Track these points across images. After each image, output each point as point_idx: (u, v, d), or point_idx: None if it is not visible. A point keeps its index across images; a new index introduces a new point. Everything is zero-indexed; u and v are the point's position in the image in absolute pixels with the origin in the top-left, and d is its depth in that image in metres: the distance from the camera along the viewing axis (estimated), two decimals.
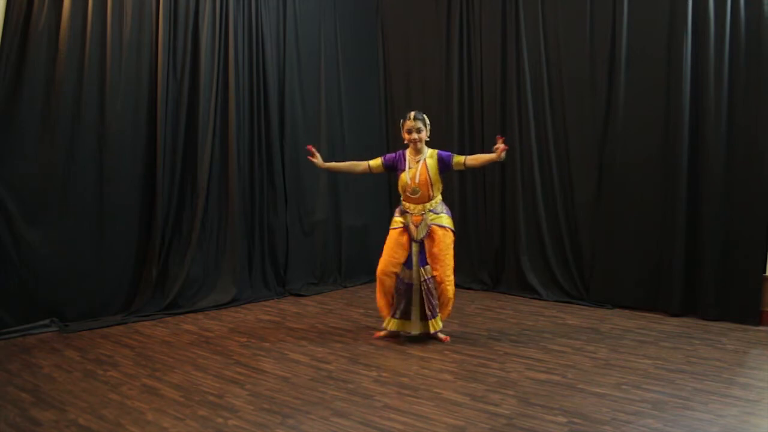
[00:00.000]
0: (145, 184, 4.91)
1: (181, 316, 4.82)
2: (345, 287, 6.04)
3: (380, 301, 4.21)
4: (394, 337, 4.20)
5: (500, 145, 3.92)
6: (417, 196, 4.09)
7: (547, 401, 3.09)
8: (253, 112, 5.57)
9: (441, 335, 4.16)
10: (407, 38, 6.55)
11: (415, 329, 4.15)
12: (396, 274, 4.11)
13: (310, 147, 4.29)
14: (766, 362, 3.80)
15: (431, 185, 4.09)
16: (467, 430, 2.77)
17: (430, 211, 4.10)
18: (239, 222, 5.39)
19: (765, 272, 4.54)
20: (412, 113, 4.12)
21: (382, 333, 4.22)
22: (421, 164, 4.08)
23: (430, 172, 4.08)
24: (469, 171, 6.07)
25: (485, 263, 6.04)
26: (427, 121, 4.15)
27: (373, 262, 4.51)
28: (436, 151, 4.16)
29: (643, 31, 5.05)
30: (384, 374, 3.51)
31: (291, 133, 5.79)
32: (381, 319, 4.28)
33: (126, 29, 4.72)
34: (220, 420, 2.87)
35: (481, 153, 5.69)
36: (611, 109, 5.22)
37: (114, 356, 3.81)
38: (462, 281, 6.02)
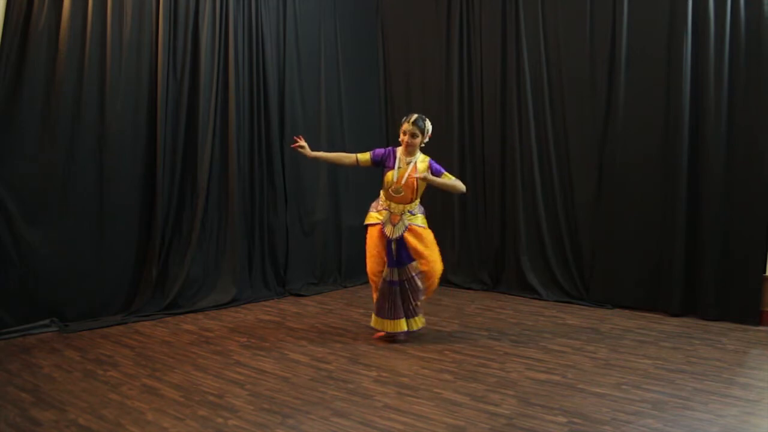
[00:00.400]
0: (145, 184, 4.91)
1: (181, 316, 4.82)
2: (345, 287, 6.05)
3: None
4: (393, 337, 4.20)
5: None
6: (399, 196, 4.08)
7: (547, 401, 3.09)
8: (253, 112, 5.57)
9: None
10: (407, 38, 6.55)
11: (398, 327, 4.15)
12: (381, 272, 4.13)
13: (296, 137, 4.29)
14: (766, 362, 3.80)
15: (416, 189, 4.09)
16: (467, 430, 2.77)
17: (409, 212, 4.10)
18: (239, 222, 5.38)
19: (765, 272, 4.55)
20: (413, 117, 4.07)
21: (382, 333, 4.22)
22: (411, 167, 4.06)
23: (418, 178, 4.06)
24: (469, 169, 6.08)
25: (485, 263, 6.04)
26: (428, 128, 4.09)
27: None
28: (429, 159, 4.14)
29: (643, 31, 5.05)
30: (384, 374, 3.51)
31: (291, 133, 5.76)
32: None
33: (126, 29, 4.72)
34: (220, 420, 2.87)
35: (481, 155, 5.78)
36: (611, 109, 5.22)
37: (114, 356, 3.81)
38: (462, 281, 6.04)
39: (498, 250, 5.96)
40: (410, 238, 4.08)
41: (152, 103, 4.90)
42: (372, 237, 4.17)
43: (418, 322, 4.18)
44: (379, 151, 4.21)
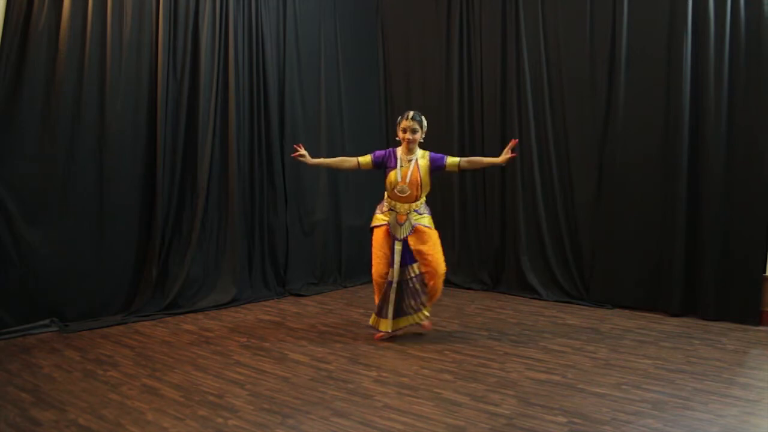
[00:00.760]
0: (145, 184, 4.91)
1: (181, 316, 4.82)
2: (345, 287, 6.05)
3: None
4: (393, 337, 4.20)
5: (509, 153, 4.01)
6: (404, 195, 4.09)
7: (547, 401, 3.09)
8: (253, 112, 5.57)
9: (424, 322, 4.22)
10: (407, 38, 6.55)
11: (387, 327, 4.16)
12: (387, 274, 4.13)
13: (296, 145, 4.28)
14: (766, 362, 3.80)
15: (420, 186, 4.10)
16: (467, 430, 2.77)
17: (415, 211, 4.11)
18: (239, 222, 5.39)
19: (765, 272, 4.55)
20: (410, 113, 4.11)
21: (382, 333, 4.22)
22: (413, 164, 4.08)
23: (421, 174, 4.08)
24: (469, 171, 6.07)
25: (485, 263, 6.04)
26: (425, 123, 4.14)
27: None
28: (428, 152, 4.17)
29: (643, 31, 5.05)
30: (384, 374, 3.51)
31: (291, 133, 5.79)
32: None
33: (126, 29, 4.72)
34: (220, 420, 2.87)
35: (481, 155, 5.67)
36: (611, 109, 5.22)
37: (114, 356, 3.81)
38: (462, 281, 6.04)
39: (498, 250, 5.96)
40: (412, 239, 4.08)
41: (152, 103, 4.91)
42: (378, 239, 4.17)
43: (421, 316, 4.19)
44: (379, 152, 4.23)
